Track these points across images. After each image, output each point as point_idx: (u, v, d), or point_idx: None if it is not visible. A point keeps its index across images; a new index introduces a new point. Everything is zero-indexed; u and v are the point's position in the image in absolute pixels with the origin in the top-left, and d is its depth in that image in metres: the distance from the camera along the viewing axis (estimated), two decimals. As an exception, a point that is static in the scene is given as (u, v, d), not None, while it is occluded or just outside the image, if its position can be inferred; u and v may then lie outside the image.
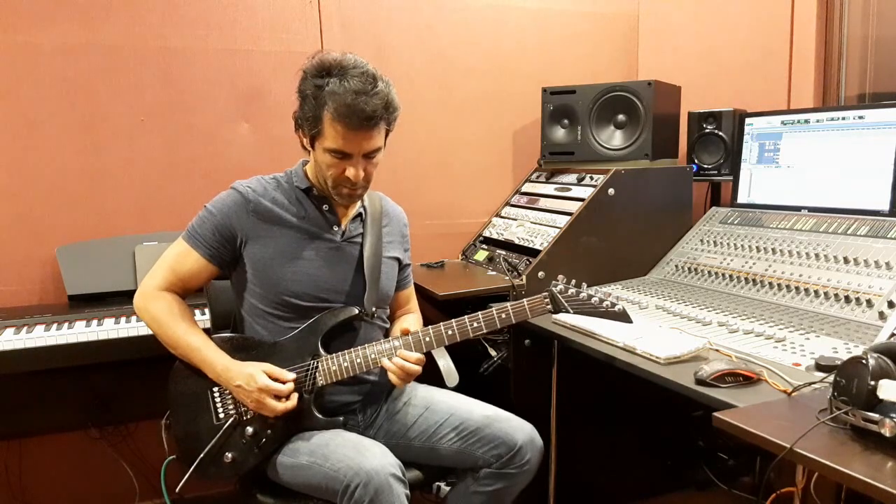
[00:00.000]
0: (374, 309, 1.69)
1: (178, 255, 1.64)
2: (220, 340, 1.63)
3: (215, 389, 1.62)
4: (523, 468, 1.60)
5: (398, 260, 1.81)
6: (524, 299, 1.61)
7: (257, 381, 1.52)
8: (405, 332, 1.62)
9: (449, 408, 1.67)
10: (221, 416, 1.61)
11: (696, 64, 2.85)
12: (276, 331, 1.64)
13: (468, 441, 1.61)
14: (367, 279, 1.68)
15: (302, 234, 1.65)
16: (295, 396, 1.55)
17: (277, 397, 1.53)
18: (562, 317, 1.84)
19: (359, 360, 1.59)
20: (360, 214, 1.74)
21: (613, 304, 1.57)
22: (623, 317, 1.57)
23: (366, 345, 1.61)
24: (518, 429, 1.61)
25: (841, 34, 2.65)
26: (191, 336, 1.60)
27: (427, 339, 1.60)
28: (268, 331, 1.65)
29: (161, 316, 1.61)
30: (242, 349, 1.62)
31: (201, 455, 1.58)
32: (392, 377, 1.57)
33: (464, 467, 1.65)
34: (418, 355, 1.57)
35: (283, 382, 1.55)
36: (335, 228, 1.69)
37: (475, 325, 1.60)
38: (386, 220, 1.79)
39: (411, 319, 1.83)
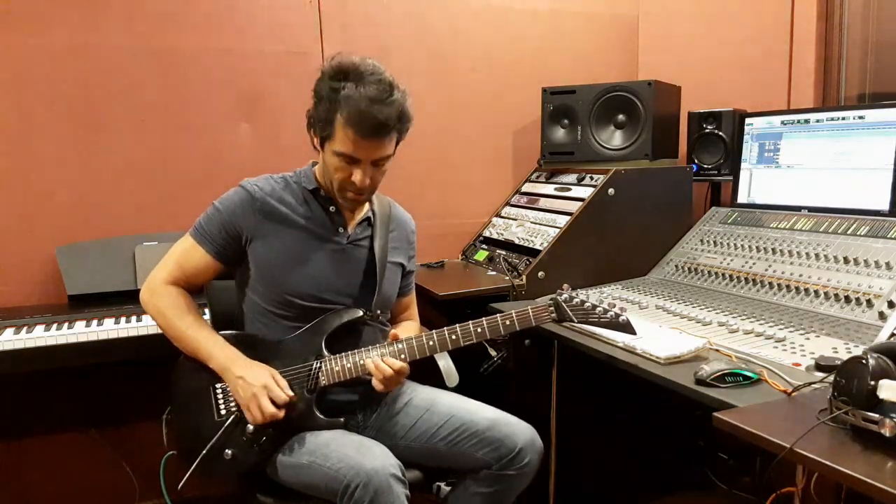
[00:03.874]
0: (378, 311, 1.70)
1: (185, 251, 1.65)
2: (225, 336, 1.63)
3: (218, 386, 1.62)
4: (523, 470, 1.60)
5: (402, 266, 1.81)
6: (528, 307, 1.61)
7: (264, 377, 1.53)
8: (394, 337, 1.61)
9: (450, 409, 1.66)
10: (223, 412, 1.61)
11: (696, 64, 2.85)
12: (277, 329, 1.64)
13: (469, 443, 1.61)
14: (372, 282, 1.68)
15: (307, 235, 1.65)
16: (283, 410, 1.54)
17: (273, 403, 1.52)
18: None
19: (362, 362, 1.59)
20: (368, 218, 1.74)
21: (618, 315, 1.57)
22: (627, 328, 1.57)
23: (369, 347, 1.61)
24: (519, 431, 1.61)
25: (841, 34, 2.65)
26: (197, 329, 1.60)
27: (431, 343, 1.60)
28: (268, 329, 1.65)
29: (167, 309, 1.61)
30: (247, 346, 1.62)
31: (203, 452, 1.58)
32: (375, 383, 1.56)
33: (464, 469, 1.65)
34: (401, 364, 1.56)
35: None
36: (341, 230, 1.68)
37: (479, 330, 1.61)
38: (393, 225, 1.79)
39: (409, 326, 1.83)
